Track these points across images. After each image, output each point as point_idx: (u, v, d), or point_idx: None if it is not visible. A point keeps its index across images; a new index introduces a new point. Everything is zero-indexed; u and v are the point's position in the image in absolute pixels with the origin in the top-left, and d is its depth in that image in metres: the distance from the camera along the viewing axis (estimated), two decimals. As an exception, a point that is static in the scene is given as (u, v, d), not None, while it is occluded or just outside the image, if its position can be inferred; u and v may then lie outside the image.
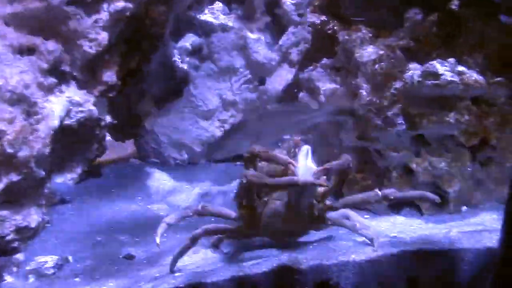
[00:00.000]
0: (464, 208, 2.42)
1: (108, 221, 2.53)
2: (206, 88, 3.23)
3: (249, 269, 1.74)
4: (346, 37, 2.65)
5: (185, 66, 3.25)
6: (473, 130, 2.39)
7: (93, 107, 2.67)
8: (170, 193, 2.92)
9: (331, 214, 2.01)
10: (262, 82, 3.32)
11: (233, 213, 1.94)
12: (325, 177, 1.86)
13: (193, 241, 1.87)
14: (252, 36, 3.25)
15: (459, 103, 2.38)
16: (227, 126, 3.27)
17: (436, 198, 1.89)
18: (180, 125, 3.22)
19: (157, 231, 1.81)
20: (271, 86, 3.25)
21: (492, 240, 1.75)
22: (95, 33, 2.62)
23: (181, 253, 1.88)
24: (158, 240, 1.78)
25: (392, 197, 1.85)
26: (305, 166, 1.79)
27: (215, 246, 2.15)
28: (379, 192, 1.87)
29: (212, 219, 2.16)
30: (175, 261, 1.87)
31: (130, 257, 2.20)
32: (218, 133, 3.24)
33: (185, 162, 3.24)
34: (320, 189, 1.93)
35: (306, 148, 1.87)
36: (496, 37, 2.49)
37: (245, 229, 1.93)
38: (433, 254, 1.82)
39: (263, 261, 1.79)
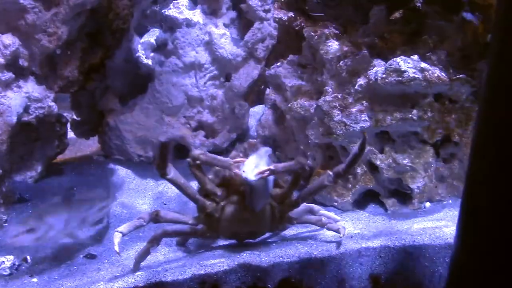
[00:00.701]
0: (427, 204, 2.45)
1: (68, 220, 2.48)
2: (171, 84, 3.17)
3: (210, 267, 1.73)
4: (312, 34, 2.64)
5: (149, 62, 3.20)
6: (436, 127, 2.41)
7: (52, 103, 2.61)
8: (134, 191, 2.87)
9: (295, 212, 2.02)
10: (228, 78, 3.27)
11: (190, 219, 1.94)
12: (272, 177, 1.85)
13: (153, 242, 1.88)
14: (217, 31, 3.21)
15: (422, 100, 2.39)
16: (193, 123, 3.22)
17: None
18: (145, 121, 3.13)
19: (114, 241, 1.79)
20: (237, 82, 3.19)
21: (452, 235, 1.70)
22: (54, 27, 2.55)
23: (142, 255, 1.88)
24: (117, 248, 1.77)
25: (341, 171, 1.88)
26: (252, 165, 1.79)
27: (181, 244, 2.16)
28: (330, 172, 1.89)
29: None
30: (138, 262, 1.87)
31: (91, 256, 2.17)
32: (184, 130, 3.17)
33: (150, 159, 3.14)
34: (276, 190, 1.94)
35: (264, 150, 1.89)
36: (458, 34, 2.52)
37: (206, 232, 1.94)
38: (394, 250, 1.84)
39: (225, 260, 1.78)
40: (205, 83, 3.24)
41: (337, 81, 2.55)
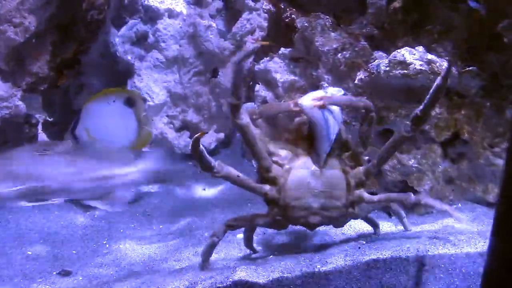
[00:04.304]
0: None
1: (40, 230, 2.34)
2: (152, 80, 3.08)
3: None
4: (305, 24, 2.55)
5: (128, 57, 3.11)
6: (444, 124, 2.31)
7: (20, 102, 2.47)
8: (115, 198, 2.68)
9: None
10: (214, 73, 3.19)
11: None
12: (339, 117, 1.68)
13: (216, 236, 1.68)
14: (202, 22, 3.11)
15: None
16: (177, 123, 3.14)
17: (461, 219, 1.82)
18: None
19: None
20: (225, 79, 3.13)
21: (465, 244, 1.68)
22: (20, 17, 2.41)
23: (208, 251, 1.71)
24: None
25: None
26: (312, 95, 1.65)
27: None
28: (412, 196, 1.73)
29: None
30: (204, 260, 1.71)
31: (66, 273, 2.00)
32: (167, 130, 3.09)
33: None
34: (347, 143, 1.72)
35: (336, 89, 1.75)
36: (465, 23, 2.43)
37: (273, 213, 1.71)
38: (406, 261, 1.68)
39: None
40: (189, 79, 3.15)
41: (334, 75, 2.46)
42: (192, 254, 2.03)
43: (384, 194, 1.82)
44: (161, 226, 2.43)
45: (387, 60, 2.25)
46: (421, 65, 2.21)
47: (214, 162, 1.63)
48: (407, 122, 1.64)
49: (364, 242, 1.80)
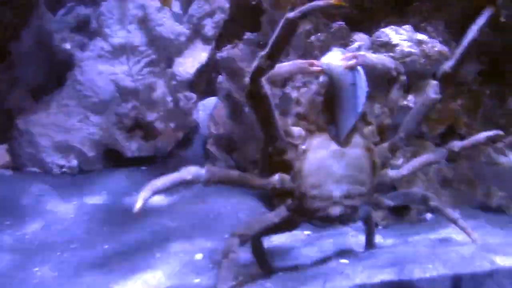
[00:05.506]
0: (428, 215, 2.27)
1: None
2: (97, 73, 2.91)
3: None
4: (272, 4, 2.50)
5: (67, 45, 2.97)
6: (438, 117, 2.22)
7: None
8: (51, 213, 2.51)
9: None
10: (170, 63, 3.08)
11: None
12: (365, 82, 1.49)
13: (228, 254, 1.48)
14: (154, 4, 2.97)
15: (420, 81, 2.14)
16: (127, 122, 2.95)
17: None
18: (65, 122, 2.91)
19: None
20: (182, 69, 3.00)
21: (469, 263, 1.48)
22: None
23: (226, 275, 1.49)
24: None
25: (456, 149, 1.62)
26: (335, 54, 1.47)
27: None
28: (443, 149, 1.64)
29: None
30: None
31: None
32: (117, 131, 2.92)
33: (74, 170, 2.92)
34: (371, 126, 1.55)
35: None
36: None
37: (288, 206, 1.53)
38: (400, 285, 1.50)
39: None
40: (140, 70, 3.01)
41: None
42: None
43: (410, 162, 1.67)
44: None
45: (368, 41, 2.17)
46: (409, 46, 2.11)
47: (202, 170, 1.43)
48: (434, 82, 1.52)
49: (348, 262, 1.64)
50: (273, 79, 1.47)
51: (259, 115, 1.43)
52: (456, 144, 1.61)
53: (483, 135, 1.64)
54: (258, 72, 1.33)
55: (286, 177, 1.51)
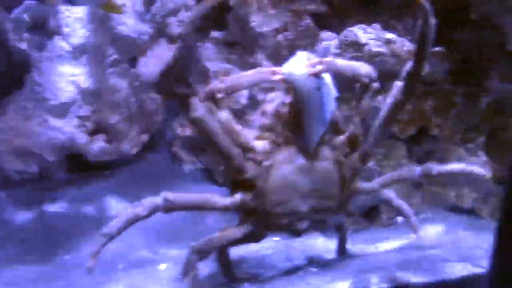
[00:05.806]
0: (399, 219, 2.24)
1: None
2: (56, 74, 2.84)
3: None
4: (239, 1, 2.53)
5: (24, 45, 2.90)
6: (409, 118, 2.21)
7: None
8: (9, 225, 2.45)
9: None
10: (133, 64, 3.03)
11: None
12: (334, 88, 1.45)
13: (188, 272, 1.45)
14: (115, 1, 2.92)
15: (389, 81, 1.95)
16: (89, 125, 2.88)
17: (484, 174, 1.63)
18: (23, 126, 2.83)
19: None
20: (146, 69, 2.97)
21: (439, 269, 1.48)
22: None
23: None
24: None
25: (434, 172, 1.59)
26: (299, 59, 1.40)
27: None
28: (417, 168, 1.61)
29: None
30: None
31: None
32: (78, 134, 2.84)
33: (34, 177, 2.84)
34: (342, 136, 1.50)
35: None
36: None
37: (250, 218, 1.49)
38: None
39: None
40: (102, 71, 2.94)
41: (275, 62, 2.37)
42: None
43: (382, 177, 1.64)
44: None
45: (337, 41, 2.15)
46: (378, 46, 2.10)
47: (158, 199, 1.40)
48: (399, 83, 1.48)
49: (315, 269, 1.64)
50: (234, 91, 1.43)
51: (203, 136, 1.40)
52: (434, 168, 1.58)
53: (466, 168, 1.64)
54: (183, 99, 1.32)
55: (249, 195, 1.45)
